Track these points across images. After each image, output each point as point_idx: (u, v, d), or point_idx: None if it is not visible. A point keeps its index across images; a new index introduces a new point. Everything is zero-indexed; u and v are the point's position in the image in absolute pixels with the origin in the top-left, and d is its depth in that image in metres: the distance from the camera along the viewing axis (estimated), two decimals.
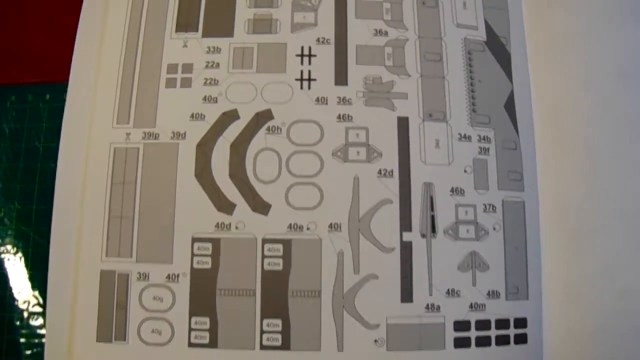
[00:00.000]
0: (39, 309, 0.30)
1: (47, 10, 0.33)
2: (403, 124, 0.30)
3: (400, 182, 0.30)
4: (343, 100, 0.30)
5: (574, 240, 0.31)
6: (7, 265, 0.30)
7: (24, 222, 0.31)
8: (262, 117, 0.30)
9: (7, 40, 0.33)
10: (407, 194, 0.30)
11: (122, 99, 0.30)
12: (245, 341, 0.28)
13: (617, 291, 0.30)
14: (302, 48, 0.31)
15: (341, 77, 0.31)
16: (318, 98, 0.30)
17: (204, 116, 0.30)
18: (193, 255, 0.29)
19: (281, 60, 0.31)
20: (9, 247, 0.31)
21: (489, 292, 0.29)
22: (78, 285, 0.29)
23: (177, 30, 0.31)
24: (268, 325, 0.28)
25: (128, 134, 0.30)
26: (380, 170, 0.30)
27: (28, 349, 0.30)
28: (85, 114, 0.31)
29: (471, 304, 0.29)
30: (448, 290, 0.29)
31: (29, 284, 0.30)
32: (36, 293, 0.30)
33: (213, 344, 0.28)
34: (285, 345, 0.28)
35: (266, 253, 0.29)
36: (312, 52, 0.31)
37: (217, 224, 0.29)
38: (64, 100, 0.31)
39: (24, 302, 0.30)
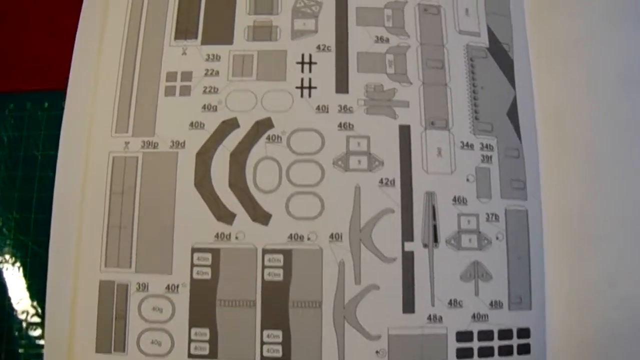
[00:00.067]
0: (37, 320, 0.29)
1: (46, 17, 0.33)
2: (405, 133, 0.30)
3: (402, 191, 0.29)
4: (344, 109, 0.30)
5: (577, 248, 0.30)
6: (6, 275, 0.30)
7: (23, 232, 0.30)
8: (262, 126, 0.30)
9: (5, 47, 0.32)
10: (409, 204, 0.29)
11: (121, 107, 0.30)
12: (245, 352, 0.28)
13: (620, 299, 0.30)
14: (303, 55, 0.30)
15: (342, 85, 0.30)
16: (319, 106, 0.30)
17: (204, 125, 0.30)
18: (193, 265, 0.28)
19: (281, 68, 0.30)
20: (7, 256, 0.30)
21: (491, 302, 0.29)
22: (77, 296, 0.29)
23: (176, 38, 0.31)
24: (268, 336, 0.28)
25: (127, 143, 0.30)
26: (381, 180, 0.29)
27: None
28: (84, 122, 0.30)
29: (474, 315, 0.29)
30: (450, 300, 0.29)
31: (27, 294, 0.30)
32: (35, 303, 0.30)
33: (213, 355, 0.28)
34: (286, 357, 0.28)
35: (266, 263, 0.28)
36: (313, 60, 0.30)
37: (217, 234, 0.29)
38: (62, 108, 0.31)
39: (23, 312, 0.30)
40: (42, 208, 0.30)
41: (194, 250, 0.29)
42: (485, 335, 0.29)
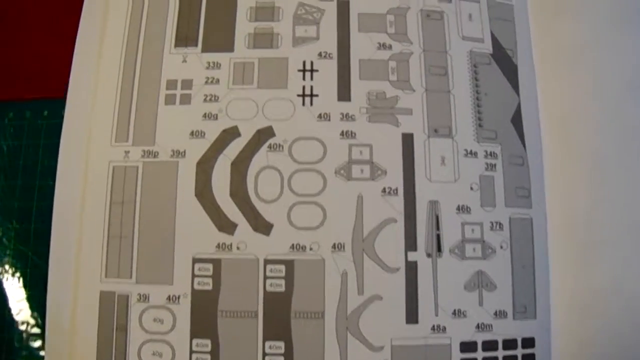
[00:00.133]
0: (38, 331, 0.29)
1: (45, 24, 0.32)
2: (408, 141, 0.29)
3: (405, 200, 0.29)
4: (346, 117, 0.29)
5: (582, 255, 0.30)
6: (6, 285, 0.30)
7: (23, 242, 0.30)
8: (264, 135, 0.29)
9: (4, 56, 0.32)
10: (412, 213, 0.29)
11: (121, 116, 0.30)
12: None
13: (627, 307, 0.29)
14: (304, 63, 0.30)
15: (344, 93, 0.30)
16: (320, 114, 0.29)
17: (204, 133, 0.29)
18: (194, 276, 0.28)
19: (282, 76, 0.30)
20: (7, 267, 0.30)
21: (496, 312, 0.29)
22: (77, 307, 0.28)
23: (176, 45, 0.30)
24: (270, 347, 0.27)
25: (127, 152, 0.29)
26: (384, 189, 0.29)
27: None
28: (84, 131, 0.30)
29: (478, 325, 0.28)
30: (454, 310, 0.28)
31: (27, 305, 0.29)
32: (35, 314, 0.29)
33: None
34: None
35: (268, 274, 0.28)
36: (314, 67, 0.30)
37: (218, 244, 0.28)
38: (62, 117, 0.30)
39: (23, 323, 0.29)
40: (42, 218, 0.30)
41: (195, 260, 0.28)
42: (490, 345, 0.28)
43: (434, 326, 0.28)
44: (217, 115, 0.29)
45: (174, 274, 0.28)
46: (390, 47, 0.30)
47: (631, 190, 0.30)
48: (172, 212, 0.28)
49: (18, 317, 0.29)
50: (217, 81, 0.30)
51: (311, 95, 0.30)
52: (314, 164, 0.29)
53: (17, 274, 0.30)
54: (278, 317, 0.28)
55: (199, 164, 0.29)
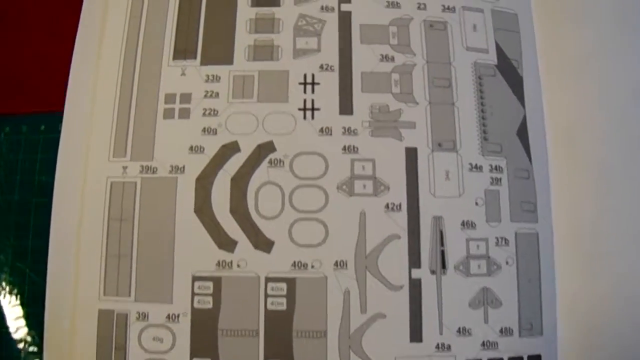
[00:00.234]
0: (35, 349, 0.28)
1: (41, 38, 0.31)
2: (411, 155, 0.28)
3: (409, 216, 0.28)
4: (348, 131, 0.28)
5: (589, 268, 0.29)
6: (3, 303, 0.29)
7: (20, 259, 0.29)
8: (264, 149, 0.28)
9: (0, 69, 0.31)
10: (416, 229, 0.28)
11: (119, 130, 0.29)
12: None
13: (635, 321, 0.28)
14: (305, 76, 0.29)
15: (346, 106, 0.29)
16: (322, 128, 0.28)
17: (204, 149, 0.28)
18: (193, 294, 0.27)
19: (283, 89, 0.29)
20: (4, 284, 0.29)
21: (501, 329, 0.28)
22: (76, 325, 0.27)
23: (174, 58, 0.29)
24: None
25: (125, 168, 0.28)
26: (387, 204, 0.28)
27: None
28: (81, 146, 0.29)
29: (483, 342, 0.27)
30: (459, 328, 0.27)
31: (25, 323, 0.28)
32: (33, 332, 0.28)
33: None
34: None
35: (269, 292, 0.27)
36: (316, 80, 0.29)
37: (218, 261, 0.27)
38: (59, 132, 0.29)
39: (21, 341, 0.28)
40: (39, 234, 0.29)
41: (194, 278, 0.27)
42: None
43: (438, 344, 0.27)
44: (216, 129, 0.28)
45: (173, 292, 0.27)
46: (392, 58, 0.29)
47: (638, 200, 0.30)
48: (171, 229, 0.28)
49: (16, 335, 0.29)
50: (217, 95, 0.29)
51: (312, 109, 0.29)
52: (316, 180, 0.28)
53: (15, 291, 0.29)
54: (279, 336, 0.27)
55: (198, 179, 0.28)
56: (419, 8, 0.30)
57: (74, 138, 0.29)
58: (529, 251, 0.29)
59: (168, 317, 0.27)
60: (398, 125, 0.29)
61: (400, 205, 0.28)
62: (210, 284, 0.27)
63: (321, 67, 0.29)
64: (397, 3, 0.30)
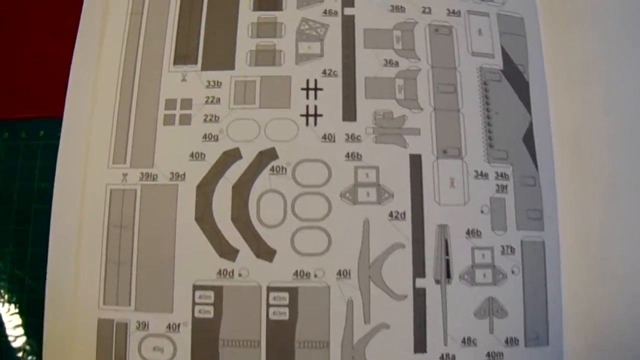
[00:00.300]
0: (34, 358, 0.28)
1: (40, 42, 0.30)
2: (416, 162, 0.27)
3: (413, 224, 0.27)
4: (351, 137, 0.28)
5: (596, 276, 0.28)
6: (2, 311, 0.28)
7: (19, 266, 0.28)
8: (266, 157, 0.27)
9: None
10: (421, 238, 0.27)
11: (118, 136, 0.28)
12: None
13: None
14: (308, 81, 0.28)
15: (349, 112, 0.28)
16: (325, 135, 0.28)
17: (204, 155, 0.27)
18: (194, 303, 0.26)
19: (285, 95, 0.28)
20: (3, 292, 0.28)
21: (507, 339, 0.27)
22: (75, 335, 0.27)
23: (175, 63, 0.29)
24: None
25: (125, 175, 0.28)
26: (391, 213, 0.27)
27: None
28: (80, 152, 0.28)
29: (488, 353, 0.27)
30: (464, 338, 0.27)
31: (24, 332, 0.28)
32: (32, 341, 0.28)
33: None
34: None
35: (271, 302, 0.26)
36: (318, 86, 0.28)
37: (220, 270, 0.27)
38: (58, 137, 0.28)
39: (19, 350, 0.28)
40: (38, 241, 0.28)
41: (195, 287, 0.27)
42: None
43: (442, 355, 0.26)
44: (217, 136, 0.28)
45: (174, 302, 0.27)
46: (397, 63, 0.29)
47: None
48: (171, 237, 0.27)
49: (14, 344, 0.28)
50: (218, 100, 0.28)
51: (315, 115, 0.28)
52: (319, 187, 0.27)
53: (13, 300, 0.28)
54: (281, 347, 0.26)
55: (199, 187, 0.27)
56: (423, 12, 0.29)
57: (73, 144, 0.28)
58: (535, 260, 0.28)
59: (168, 326, 0.26)
60: (402, 132, 0.28)
61: (404, 213, 0.27)
62: (212, 294, 0.27)
63: (324, 72, 0.28)
64: (401, 7, 0.29)
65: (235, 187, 0.27)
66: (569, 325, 0.28)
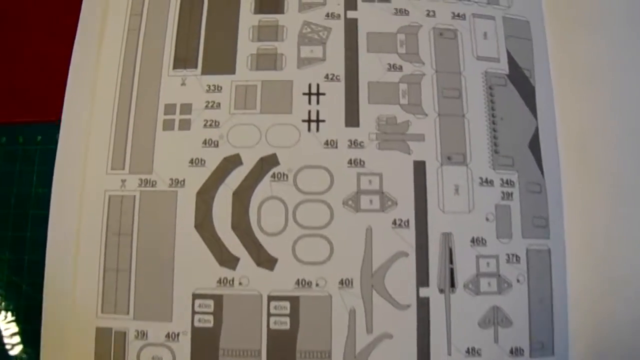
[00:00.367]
0: None
1: (38, 44, 0.30)
2: (420, 169, 0.27)
3: (417, 232, 0.26)
4: (354, 144, 0.27)
5: (603, 285, 0.27)
6: None
7: (16, 273, 0.28)
8: (267, 163, 0.27)
9: None
10: (424, 246, 0.26)
11: (117, 142, 0.27)
12: None
13: None
14: (310, 86, 0.27)
15: (352, 118, 0.27)
16: (327, 141, 0.27)
17: (204, 162, 0.27)
18: (194, 312, 0.26)
19: (287, 100, 0.27)
20: None
21: (511, 349, 0.26)
22: (73, 343, 0.26)
23: (174, 67, 0.28)
24: None
25: (123, 181, 0.27)
26: (395, 221, 0.26)
27: None
28: (79, 158, 0.27)
29: None
30: (468, 349, 0.26)
31: (21, 340, 0.27)
32: (29, 350, 0.27)
33: None
34: None
35: (272, 311, 0.26)
36: (321, 90, 0.27)
37: (220, 279, 0.26)
38: (56, 142, 0.28)
39: (17, 359, 0.27)
40: (36, 248, 0.27)
41: (195, 296, 0.26)
42: None
43: None
44: (217, 142, 0.27)
45: (173, 310, 0.26)
46: (400, 68, 0.28)
47: None
48: (171, 245, 0.26)
49: (11, 352, 0.27)
50: (218, 105, 0.27)
51: (317, 121, 0.27)
52: (321, 195, 0.26)
53: (10, 307, 0.28)
54: (282, 357, 0.25)
55: (199, 193, 0.26)
56: (428, 15, 0.29)
57: (71, 149, 0.27)
58: (541, 268, 0.27)
59: (167, 335, 0.26)
60: (406, 138, 0.27)
61: (408, 221, 0.26)
62: (211, 302, 0.26)
63: (326, 76, 0.28)
64: (405, 10, 0.29)
65: (235, 194, 0.26)
66: (575, 335, 0.27)
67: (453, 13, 0.29)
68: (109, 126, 0.27)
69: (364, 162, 0.27)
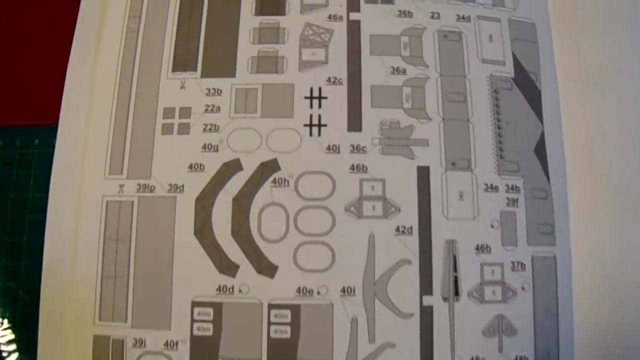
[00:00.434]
0: None
1: (36, 46, 0.29)
2: (423, 175, 0.26)
3: (420, 240, 0.25)
4: (357, 149, 0.26)
5: (609, 295, 0.26)
6: None
7: (12, 279, 0.27)
8: (268, 168, 0.26)
9: None
10: (428, 253, 0.25)
11: (115, 146, 0.26)
12: None
13: None
14: (312, 89, 0.26)
15: (355, 122, 0.26)
16: (329, 146, 0.26)
17: (204, 167, 0.26)
18: (193, 320, 0.25)
19: (288, 104, 0.26)
20: None
21: (516, 358, 0.25)
22: (70, 351, 0.25)
23: (174, 70, 0.27)
24: None
25: (121, 186, 0.26)
26: (398, 227, 0.25)
27: None
28: (76, 162, 0.26)
29: None
30: (472, 358, 0.25)
31: (17, 347, 0.26)
32: (25, 358, 0.26)
33: None
34: None
35: (272, 319, 0.25)
36: (323, 94, 0.26)
37: (219, 286, 0.25)
38: (53, 146, 0.27)
39: None
40: (33, 254, 0.26)
41: (194, 304, 0.25)
42: None
43: None
44: (217, 146, 0.26)
45: (172, 318, 0.25)
46: (404, 71, 0.27)
47: None
48: (169, 252, 0.25)
49: None
50: (218, 109, 0.26)
51: (319, 125, 0.26)
52: (322, 201, 0.25)
53: (7, 313, 0.27)
54: None
55: (198, 199, 0.26)
56: (432, 17, 0.28)
57: (68, 154, 0.27)
58: (546, 276, 0.26)
59: (166, 344, 0.25)
60: (409, 143, 0.26)
61: (411, 228, 0.25)
62: (211, 310, 0.25)
63: (328, 80, 0.27)
64: (409, 12, 0.28)
65: (235, 200, 0.26)
66: (581, 344, 0.26)
67: (458, 15, 0.28)
68: (106, 130, 0.27)
69: (366, 168, 0.26)
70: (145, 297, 0.25)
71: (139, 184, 0.26)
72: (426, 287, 0.25)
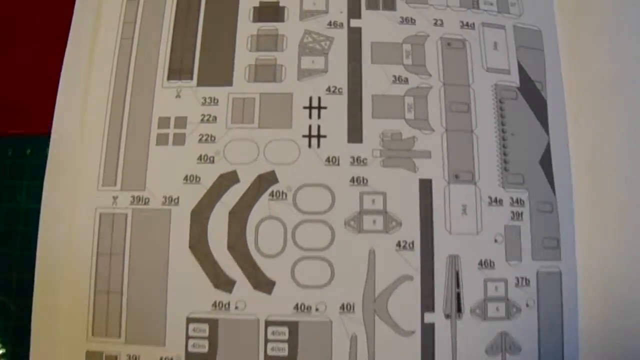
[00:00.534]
0: None
1: (28, 54, 0.27)
2: (425, 188, 0.25)
3: (422, 255, 0.24)
4: (357, 161, 0.25)
5: (616, 312, 0.25)
6: None
7: (4, 292, 0.26)
8: (265, 181, 0.25)
9: None
10: (430, 269, 0.24)
11: (109, 157, 0.25)
12: None
13: None
14: (311, 99, 0.25)
15: (355, 134, 0.25)
16: (329, 158, 0.25)
17: (199, 179, 0.25)
18: (188, 337, 0.24)
19: (286, 114, 0.25)
20: None
21: None
22: None
23: (169, 78, 0.26)
24: None
25: (115, 198, 0.25)
26: (399, 242, 0.24)
27: None
28: (69, 174, 0.25)
29: None
30: None
31: None
32: None
33: None
34: None
35: (269, 337, 0.24)
36: (322, 104, 0.25)
37: (215, 302, 0.24)
38: (46, 156, 0.26)
39: None
40: (24, 266, 0.25)
41: (189, 320, 0.24)
42: None
43: None
44: (213, 157, 0.25)
45: (166, 335, 0.24)
46: (406, 80, 0.26)
47: None
48: (164, 266, 0.24)
49: None
50: (214, 119, 0.25)
51: (318, 136, 0.25)
52: (321, 214, 0.24)
53: None
54: None
55: (193, 212, 0.24)
56: (435, 24, 0.26)
57: (61, 164, 0.25)
58: (551, 292, 0.25)
59: None
60: (412, 155, 0.25)
61: (412, 243, 0.24)
62: (206, 327, 0.24)
63: (328, 89, 0.25)
64: (411, 19, 0.26)
65: (232, 213, 0.24)
66: None
67: (462, 22, 0.27)
68: (100, 140, 0.25)
69: (367, 180, 0.25)
70: (139, 313, 0.24)
71: (133, 196, 0.25)
72: (428, 303, 0.24)
